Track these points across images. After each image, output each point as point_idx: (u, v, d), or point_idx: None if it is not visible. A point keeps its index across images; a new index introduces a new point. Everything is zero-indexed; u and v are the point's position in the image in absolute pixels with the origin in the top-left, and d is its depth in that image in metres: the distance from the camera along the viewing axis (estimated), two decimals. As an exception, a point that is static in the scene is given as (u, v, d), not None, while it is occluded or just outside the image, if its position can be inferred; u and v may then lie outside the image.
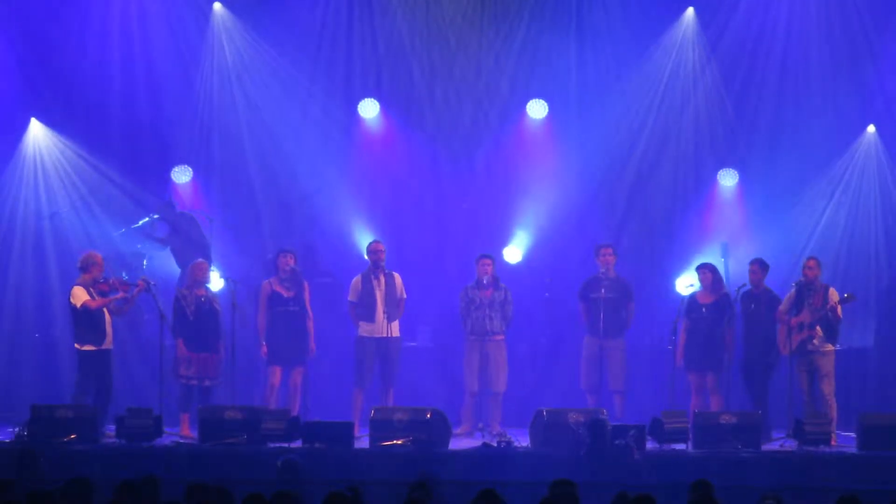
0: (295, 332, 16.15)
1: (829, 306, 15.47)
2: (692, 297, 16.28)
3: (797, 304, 15.65)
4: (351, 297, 16.38)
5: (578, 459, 13.82)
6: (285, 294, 16.17)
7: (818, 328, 15.55)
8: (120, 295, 15.62)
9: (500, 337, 16.44)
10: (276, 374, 16.16)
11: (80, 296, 15.46)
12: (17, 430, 14.80)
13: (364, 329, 16.26)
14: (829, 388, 15.54)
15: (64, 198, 18.67)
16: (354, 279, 16.40)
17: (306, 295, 16.26)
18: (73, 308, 15.52)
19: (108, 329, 15.55)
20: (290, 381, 16.18)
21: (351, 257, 18.02)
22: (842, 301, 15.49)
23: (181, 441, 15.14)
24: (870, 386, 17.52)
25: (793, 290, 15.68)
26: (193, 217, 18.33)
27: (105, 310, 15.52)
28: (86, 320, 15.45)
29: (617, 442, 13.87)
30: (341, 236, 18.67)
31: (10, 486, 10.17)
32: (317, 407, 16.35)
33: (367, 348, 16.22)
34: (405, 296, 16.38)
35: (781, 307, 15.74)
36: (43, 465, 12.77)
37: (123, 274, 17.20)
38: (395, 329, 16.24)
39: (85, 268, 15.63)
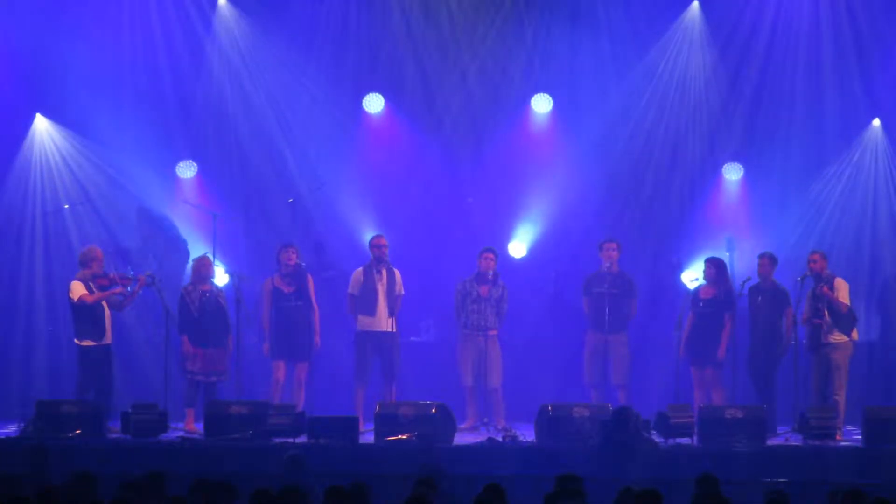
0: (298, 328, 16.14)
1: (820, 288, 15.48)
2: (696, 290, 16.30)
3: (813, 298, 15.66)
4: (351, 289, 16.36)
5: (592, 451, 13.83)
6: (286, 290, 16.17)
7: (826, 315, 15.53)
8: (118, 290, 15.62)
9: (494, 332, 16.44)
10: (281, 369, 16.16)
11: (77, 290, 15.46)
12: (22, 425, 14.82)
13: (363, 323, 16.24)
14: (839, 381, 15.50)
15: (70, 192, 18.68)
16: (356, 271, 16.39)
17: (311, 289, 16.24)
18: (71, 303, 15.53)
19: (108, 324, 15.56)
20: (294, 376, 16.19)
21: (355, 251, 18.01)
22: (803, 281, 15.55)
23: (186, 436, 15.16)
24: (875, 380, 17.51)
25: (809, 291, 15.67)
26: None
27: (105, 305, 15.52)
28: (85, 315, 15.45)
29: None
30: (346, 230, 18.67)
31: (19, 481, 10.20)
32: (322, 402, 16.36)
33: (366, 343, 16.21)
34: (403, 292, 16.37)
35: (804, 309, 15.68)
36: (50, 461, 12.79)
37: (130, 269, 17.22)
38: (393, 324, 16.23)
39: (85, 262, 15.64)
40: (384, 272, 16.26)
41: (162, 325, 15.97)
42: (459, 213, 18.84)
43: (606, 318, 16.31)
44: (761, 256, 16.16)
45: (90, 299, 15.41)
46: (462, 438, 15.09)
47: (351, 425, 14.55)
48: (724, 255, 17.55)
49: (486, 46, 19.02)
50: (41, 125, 18.78)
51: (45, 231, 18.59)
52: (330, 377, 17.04)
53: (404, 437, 14.44)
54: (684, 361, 16.14)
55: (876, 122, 18.58)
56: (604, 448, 13.84)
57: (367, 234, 17.19)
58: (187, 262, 17.86)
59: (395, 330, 16.23)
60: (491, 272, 16.43)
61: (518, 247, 18.82)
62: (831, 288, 15.55)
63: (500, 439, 14.75)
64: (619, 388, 16.41)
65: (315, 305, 16.24)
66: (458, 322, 16.57)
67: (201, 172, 18.96)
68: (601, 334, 16.40)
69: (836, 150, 18.63)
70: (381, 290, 16.20)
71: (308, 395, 16.16)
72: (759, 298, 16.01)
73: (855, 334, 15.75)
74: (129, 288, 15.73)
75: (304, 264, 16.45)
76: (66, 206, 18.52)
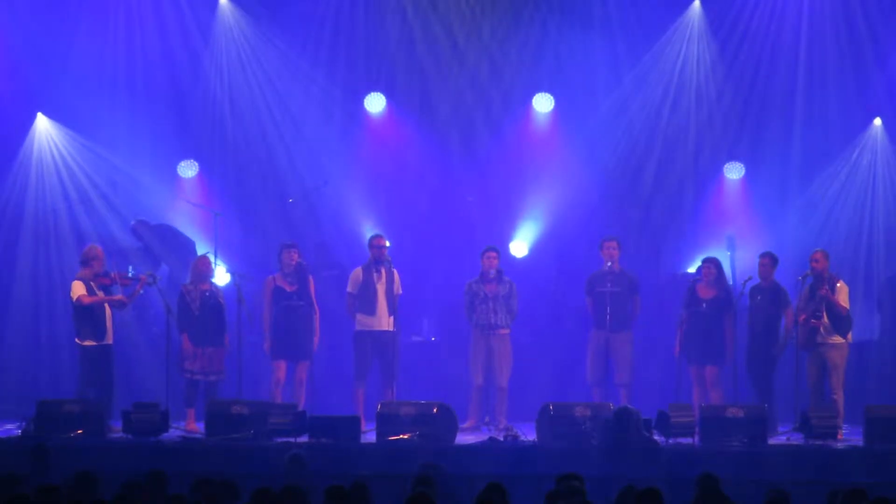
0: (299, 327, 16.13)
1: (821, 292, 15.45)
2: (693, 289, 16.25)
3: (811, 298, 15.64)
4: (350, 288, 16.34)
5: (593, 451, 13.84)
6: (288, 288, 16.16)
7: (825, 317, 15.52)
8: (118, 297, 15.61)
9: (505, 331, 16.45)
10: (282, 369, 16.16)
11: (76, 290, 15.44)
12: (24, 425, 14.83)
13: (362, 322, 16.23)
14: (836, 381, 15.50)
15: (70, 191, 18.69)
16: (355, 271, 16.38)
17: (311, 289, 16.24)
18: (72, 302, 15.52)
19: (109, 324, 15.54)
20: (295, 375, 16.18)
21: (357, 250, 18.00)
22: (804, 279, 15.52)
23: (187, 436, 15.16)
24: (876, 379, 17.50)
25: (806, 287, 15.66)
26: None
27: (106, 304, 15.51)
28: (86, 315, 15.43)
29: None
30: (348, 229, 18.67)
31: (22, 480, 10.21)
32: (323, 401, 16.36)
33: (365, 343, 16.20)
34: (401, 292, 16.35)
35: (798, 304, 15.68)
36: (52, 460, 12.79)
37: (130, 268, 17.22)
38: (392, 323, 16.23)
39: (86, 262, 15.62)
40: (383, 272, 16.25)
41: (163, 325, 15.96)
42: (461, 213, 18.85)
43: (610, 316, 16.27)
44: (762, 256, 16.14)
45: (87, 300, 15.38)
46: (463, 438, 15.09)
47: (352, 425, 14.56)
48: (725, 255, 17.56)
49: (488, 46, 19.02)
50: (42, 124, 18.79)
51: (45, 230, 18.59)
52: (331, 377, 17.04)
53: (406, 436, 14.43)
54: (682, 361, 16.13)
55: (877, 121, 18.59)
56: (605, 447, 13.85)
57: (369, 234, 17.19)
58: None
59: (394, 329, 16.24)
60: (493, 270, 16.43)
61: (519, 246, 18.83)
62: (833, 289, 15.54)
63: (502, 439, 14.74)
64: (621, 387, 16.39)
65: (315, 306, 16.24)
66: (470, 322, 16.57)
67: (202, 172, 18.96)
68: (604, 333, 16.38)
69: (837, 149, 18.64)
70: (381, 289, 16.19)
71: (309, 394, 16.16)
72: (759, 298, 16.00)
73: (850, 336, 15.74)
74: (128, 289, 15.72)
75: (305, 263, 16.44)
76: (65, 206, 18.52)
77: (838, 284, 15.61)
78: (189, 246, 18.23)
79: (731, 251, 18.02)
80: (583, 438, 14.21)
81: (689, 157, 18.94)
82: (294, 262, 16.19)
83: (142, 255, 18.16)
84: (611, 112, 18.86)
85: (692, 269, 17.97)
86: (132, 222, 18.37)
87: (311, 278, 16.30)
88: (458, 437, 14.85)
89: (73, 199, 18.59)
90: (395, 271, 16.33)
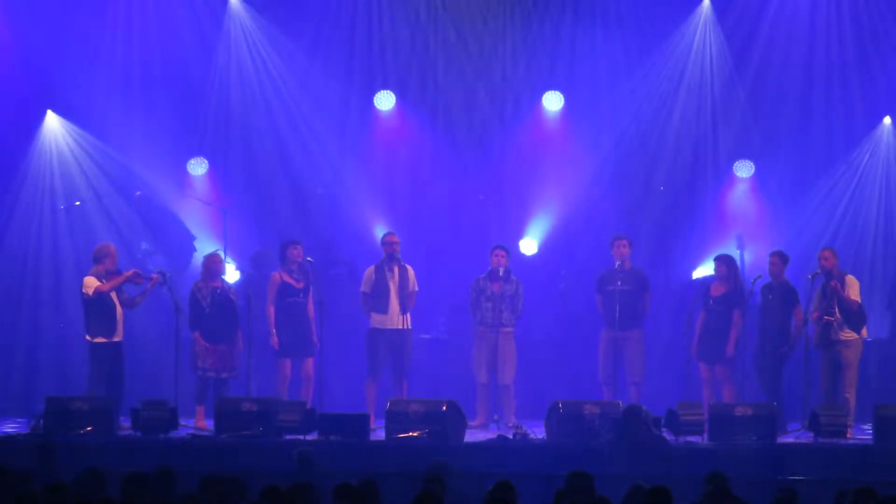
0: (303, 323, 16.15)
1: (831, 285, 15.42)
2: (707, 288, 16.26)
3: (823, 296, 15.61)
4: (364, 287, 16.35)
5: (602, 449, 13.83)
6: (296, 285, 16.16)
7: (837, 313, 15.49)
8: (131, 272, 15.65)
9: (509, 329, 16.42)
10: (287, 367, 16.17)
11: (90, 284, 15.48)
12: (32, 422, 14.84)
13: (376, 321, 16.24)
14: (849, 379, 15.47)
15: (81, 190, 18.71)
16: (368, 270, 16.39)
17: (310, 287, 16.22)
18: (84, 299, 15.55)
19: (120, 321, 15.58)
20: (302, 372, 16.19)
21: (367, 248, 18.01)
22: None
23: (196, 433, 15.16)
24: (886, 377, 17.47)
25: (819, 288, 15.62)
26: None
27: (117, 302, 15.53)
28: (97, 312, 15.47)
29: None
30: (357, 228, 18.67)
31: (28, 477, 10.21)
32: (332, 399, 16.36)
33: (379, 340, 16.20)
34: (417, 289, 16.36)
35: (813, 306, 15.63)
36: (59, 457, 12.80)
37: (143, 244, 17.27)
38: (407, 321, 16.22)
39: (98, 259, 15.67)
40: (396, 269, 16.25)
41: (172, 322, 15.98)
42: (471, 211, 18.84)
43: (618, 315, 16.25)
44: (772, 255, 16.12)
45: (105, 288, 15.42)
46: (473, 436, 15.08)
47: (361, 422, 14.55)
48: (735, 253, 17.53)
49: (498, 43, 19.01)
50: (52, 122, 18.80)
51: (54, 228, 18.61)
52: (339, 374, 17.03)
53: (415, 434, 14.42)
54: (691, 359, 16.12)
55: (887, 119, 18.57)
56: (614, 445, 13.83)
57: (379, 231, 17.19)
58: (191, 256, 17.99)
59: (408, 327, 16.23)
60: (501, 269, 16.41)
61: (529, 244, 18.81)
62: (842, 284, 15.51)
63: (511, 436, 14.73)
64: (632, 385, 16.37)
65: (311, 302, 16.20)
66: (474, 319, 16.56)
67: (212, 169, 18.97)
68: (614, 331, 16.35)
69: (847, 147, 18.62)
70: (393, 287, 16.19)
71: (318, 391, 16.15)
72: (770, 297, 15.99)
73: (865, 332, 15.72)
74: (139, 288, 15.76)
75: (310, 260, 16.41)
76: (77, 203, 18.56)
77: (847, 279, 15.58)
78: (187, 238, 18.24)
79: (740, 249, 18.01)
80: (592, 436, 14.20)
81: (698, 155, 18.92)
82: (301, 259, 16.19)
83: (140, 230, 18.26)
84: (620, 110, 18.84)
85: (699, 271, 18.00)
86: (137, 193, 18.43)
87: (311, 276, 16.29)
88: (468, 435, 14.85)
89: (83, 198, 18.60)
90: (410, 268, 16.32)
